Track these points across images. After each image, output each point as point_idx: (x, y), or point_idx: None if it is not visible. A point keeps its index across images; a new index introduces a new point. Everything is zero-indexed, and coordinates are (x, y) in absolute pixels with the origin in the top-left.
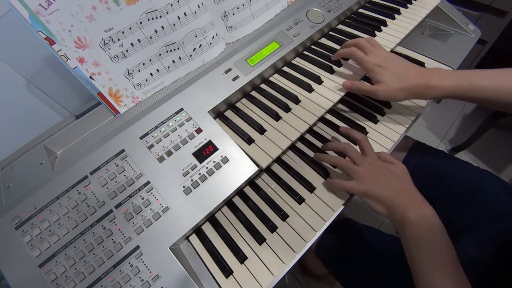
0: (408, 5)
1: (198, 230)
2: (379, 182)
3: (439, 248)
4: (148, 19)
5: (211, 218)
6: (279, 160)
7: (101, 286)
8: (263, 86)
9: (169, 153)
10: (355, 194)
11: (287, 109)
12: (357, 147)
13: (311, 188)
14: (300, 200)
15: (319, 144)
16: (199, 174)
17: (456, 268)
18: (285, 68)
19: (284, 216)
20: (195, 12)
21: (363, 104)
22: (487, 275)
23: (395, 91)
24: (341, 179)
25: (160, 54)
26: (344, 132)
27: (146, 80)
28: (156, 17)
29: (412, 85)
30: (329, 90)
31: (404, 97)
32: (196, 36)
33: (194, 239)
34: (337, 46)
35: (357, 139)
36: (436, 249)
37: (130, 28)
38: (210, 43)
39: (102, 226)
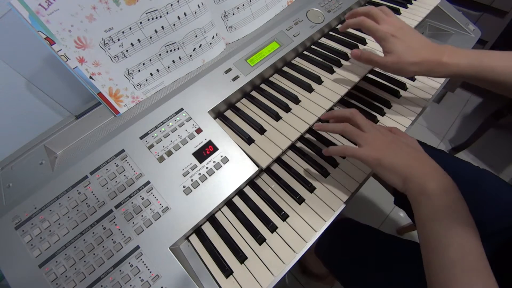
0: (408, 5)
1: (198, 230)
2: (392, 148)
3: (461, 225)
4: (148, 19)
5: (211, 218)
6: (279, 160)
7: (101, 286)
8: (263, 86)
9: (169, 153)
10: (367, 162)
11: (287, 109)
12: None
13: (311, 188)
14: (300, 200)
15: (319, 144)
16: (199, 174)
17: (481, 249)
18: (285, 68)
19: (284, 216)
20: (195, 12)
21: (363, 104)
22: None
23: (406, 64)
24: (351, 146)
25: (160, 54)
26: (326, 117)
27: (146, 80)
28: (156, 17)
29: (424, 60)
30: (329, 90)
31: (413, 72)
32: (196, 36)
33: (194, 239)
34: (337, 46)
35: (349, 116)
36: (458, 226)
37: (130, 28)
38: (210, 43)
39: (102, 226)
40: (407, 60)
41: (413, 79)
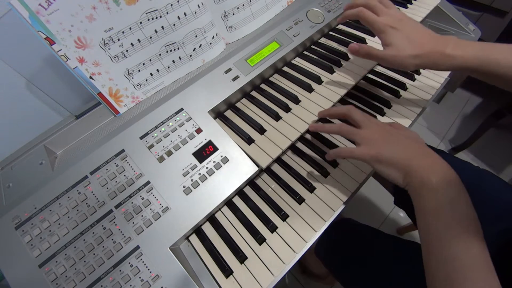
0: (408, 5)
1: (198, 230)
2: (390, 142)
3: (465, 219)
4: (148, 19)
5: (211, 218)
6: (279, 160)
7: (101, 286)
8: (263, 86)
9: (169, 153)
10: (365, 161)
11: (287, 109)
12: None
13: (311, 188)
14: (300, 200)
15: (319, 144)
16: (199, 174)
17: (483, 245)
18: (285, 68)
19: (284, 216)
20: (195, 12)
21: (363, 104)
22: None
23: (406, 57)
24: (348, 147)
25: (160, 54)
26: (323, 115)
27: (146, 80)
28: (156, 17)
29: (426, 52)
30: (329, 90)
31: (416, 65)
32: (196, 36)
33: (194, 239)
34: (337, 46)
35: (345, 113)
36: (462, 220)
37: (130, 28)
38: (210, 43)
39: (102, 226)
40: (408, 53)
41: (413, 79)
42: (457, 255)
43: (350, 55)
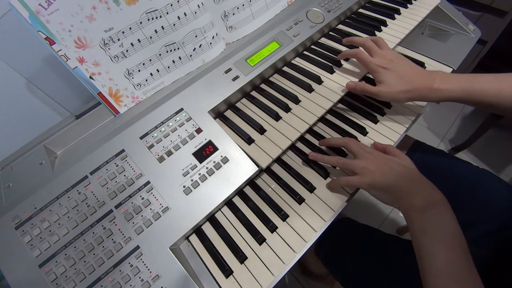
0: (408, 5)
1: (198, 230)
2: (383, 171)
3: (449, 237)
4: (148, 19)
5: (211, 218)
6: (279, 160)
7: (101, 286)
8: (263, 86)
9: (169, 153)
10: (361, 188)
11: (287, 109)
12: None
13: (311, 188)
14: (300, 200)
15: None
16: (199, 174)
17: (466, 257)
18: (285, 68)
19: (284, 216)
20: (195, 12)
21: (363, 104)
22: (485, 272)
23: (397, 93)
24: (344, 177)
25: (160, 54)
26: (325, 145)
27: (146, 80)
28: (156, 17)
29: (415, 88)
30: (329, 90)
31: (407, 99)
32: (196, 36)
33: (194, 239)
34: (337, 46)
35: (342, 145)
36: (446, 238)
37: (130, 28)
38: (210, 43)
39: (102, 226)
40: (398, 89)
41: None
42: (441, 267)
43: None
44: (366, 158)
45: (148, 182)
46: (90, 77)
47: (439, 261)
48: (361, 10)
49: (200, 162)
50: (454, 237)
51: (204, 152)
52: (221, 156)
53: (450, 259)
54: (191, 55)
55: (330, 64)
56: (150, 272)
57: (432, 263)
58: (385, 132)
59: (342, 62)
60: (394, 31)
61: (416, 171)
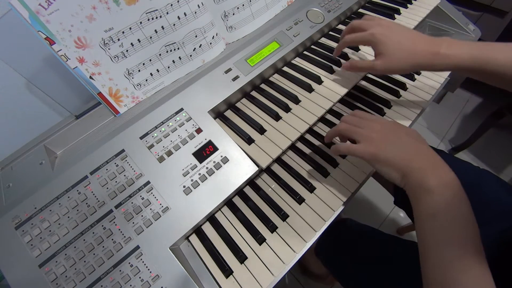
0: (408, 5)
1: (198, 230)
2: (390, 140)
3: (462, 222)
4: (148, 19)
5: (211, 218)
6: (279, 160)
7: (101, 286)
8: (263, 86)
9: (169, 153)
10: (363, 158)
11: (287, 109)
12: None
13: (311, 188)
14: (300, 200)
15: (319, 144)
16: (199, 174)
17: (479, 249)
18: (285, 68)
19: (284, 216)
20: (195, 12)
21: (363, 104)
22: None
23: (398, 61)
24: (346, 143)
25: (160, 54)
26: (329, 139)
27: (146, 80)
28: (156, 17)
29: (418, 53)
30: (329, 90)
31: (409, 67)
32: (196, 36)
33: (194, 239)
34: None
35: (338, 130)
36: (458, 223)
37: (130, 28)
38: (210, 43)
39: (102, 226)
40: (400, 57)
41: (413, 79)
42: (452, 258)
43: (350, 55)
44: (370, 127)
45: (148, 182)
46: (90, 77)
47: (450, 250)
48: (361, 10)
49: (200, 162)
50: (469, 224)
51: (204, 152)
52: (221, 156)
53: (465, 249)
54: (191, 55)
55: (330, 64)
56: (150, 272)
57: (442, 252)
58: None
59: (342, 61)
60: None
61: (426, 144)
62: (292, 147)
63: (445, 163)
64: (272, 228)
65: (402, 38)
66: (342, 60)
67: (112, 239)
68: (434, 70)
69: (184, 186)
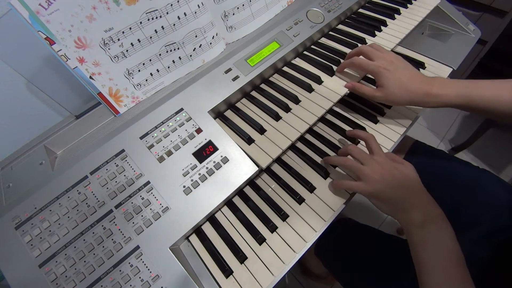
0: (408, 5)
1: (198, 230)
2: (387, 181)
3: (447, 253)
4: (148, 19)
5: (211, 218)
6: (279, 160)
7: (101, 286)
8: (263, 86)
9: (169, 153)
10: (362, 194)
11: (287, 109)
12: (364, 148)
13: (311, 188)
14: (300, 200)
15: (319, 144)
16: (199, 174)
17: (464, 274)
18: (285, 68)
19: (284, 216)
20: (195, 12)
21: (363, 104)
22: (485, 273)
23: (395, 97)
24: (347, 180)
25: (160, 54)
26: (350, 135)
27: (146, 80)
28: (156, 17)
29: (413, 92)
30: (329, 90)
31: (406, 102)
32: (196, 36)
33: (194, 239)
34: (337, 46)
35: (364, 138)
36: (444, 254)
37: (130, 28)
38: (210, 43)
39: (102, 226)
40: (397, 93)
41: None
42: (439, 283)
43: None
44: (370, 165)
45: (148, 182)
46: (90, 77)
47: (436, 276)
48: (361, 10)
49: (200, 162)
50: (452, 253)
51: (204, 152)
52: (221, 156)
53: (449, 275)
54: (191, 55)
55: (330, 64)
56: (150, 272)
57: (431, 278)
58: (385, 132)
59: (342, 61)
60: (394, 31)
61: (418, 182)
62: (292, 147)
63: (431, 199)
64: (272, 228)
65: (402, 76)
66: (342, 61)
67: (112, 239)
68: (426, 107)
69: (184, 186)
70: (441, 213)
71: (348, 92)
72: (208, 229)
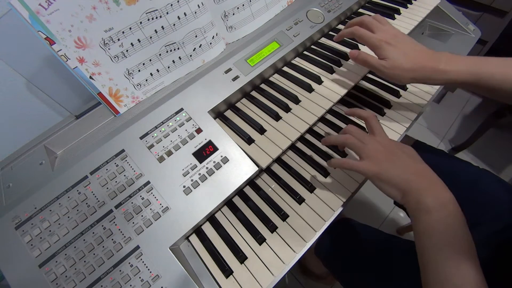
0: (408, 5)
1: (198, 230)
2: (392, 161)
3: (458, 239)
4: (148, 19)
5: (211, 218)
6: (279, 160)
7: (101, 286)
8: (263, 86)
9: (169, 153)
10: (366, 175)
11: (287, 109)
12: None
13: (311, 188)
14: (300, 200)
15: (319, 144)
16: (199, 174)
17: (475, 264)
18: (285, 68)
19: (284, 216)
20: (195, 12)
21: (363, 104)
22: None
23: (401, 70)
24: (350, 159)
25: (160, 54)
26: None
27: (146, 80)
28: (156, 17)
29: (420, 67)
30: (329, 90)
31: (410, 79)
32: (196, 36)
33: (194, 239)
34: (337, 46)
35: (365, 118)
36: (455, 241)
37: (130, 28)
38: (210, 43)
39: (102, 226)
40: (403, 67)
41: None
42: (449, 276)
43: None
44: (373, 145)
45: (148, 182)
46: (90, 77)
47: (445, 268)
48: (361, 10)
49: (200, 162)
50: (463, 242)
51: (204, 152)
52: (221, 156)
53: (459, 267)
54: (191, 55)
55: (330, 64)
56: (150, 272)
57: (437, 269)
58: (385, 132)
59: (342, 61)
60: None
61: (425, 165)
62: (292, 147)
63: (442, 182)
64: (272, 228)
65: (407, 50)
66: (342, 60)
67: (112, 239)
68: (432, 84)
69: (184, 186)
70: (452, 197)
71: (347, 92)
72: (208, 229)
